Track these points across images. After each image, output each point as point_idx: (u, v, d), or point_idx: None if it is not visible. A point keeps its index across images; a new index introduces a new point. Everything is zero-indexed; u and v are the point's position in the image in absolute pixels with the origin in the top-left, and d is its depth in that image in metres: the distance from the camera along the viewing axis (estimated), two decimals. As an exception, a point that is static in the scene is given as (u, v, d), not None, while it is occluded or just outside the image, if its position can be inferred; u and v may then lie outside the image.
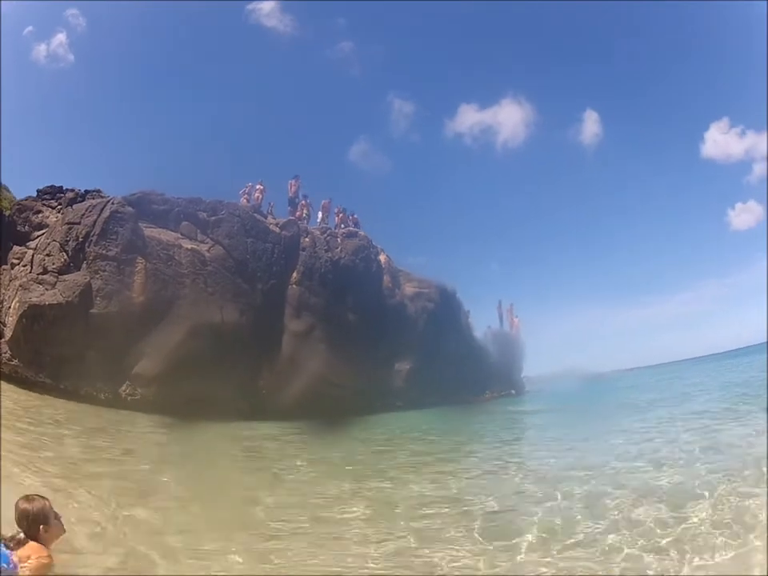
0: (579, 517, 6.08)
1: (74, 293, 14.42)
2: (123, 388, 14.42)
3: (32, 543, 2.98)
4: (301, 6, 63.40)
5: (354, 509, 6.93)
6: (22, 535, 3.00)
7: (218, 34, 62.20)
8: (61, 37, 49.54)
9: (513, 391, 27.15)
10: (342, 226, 20.52)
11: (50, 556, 2.98)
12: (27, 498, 3.09)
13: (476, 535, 5.79)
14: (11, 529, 3.07)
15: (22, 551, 2.92)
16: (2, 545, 2.88)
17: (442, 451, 11.66)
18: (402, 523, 6.30)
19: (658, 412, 15.07)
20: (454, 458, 11.02)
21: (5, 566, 2.76)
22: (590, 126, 66.44)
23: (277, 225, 18.66)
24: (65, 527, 3.23)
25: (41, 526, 3.01)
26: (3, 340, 13.79)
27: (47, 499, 3.13)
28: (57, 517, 3.14)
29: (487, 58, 71.36)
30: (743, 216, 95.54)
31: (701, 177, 75.62)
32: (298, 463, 10.20)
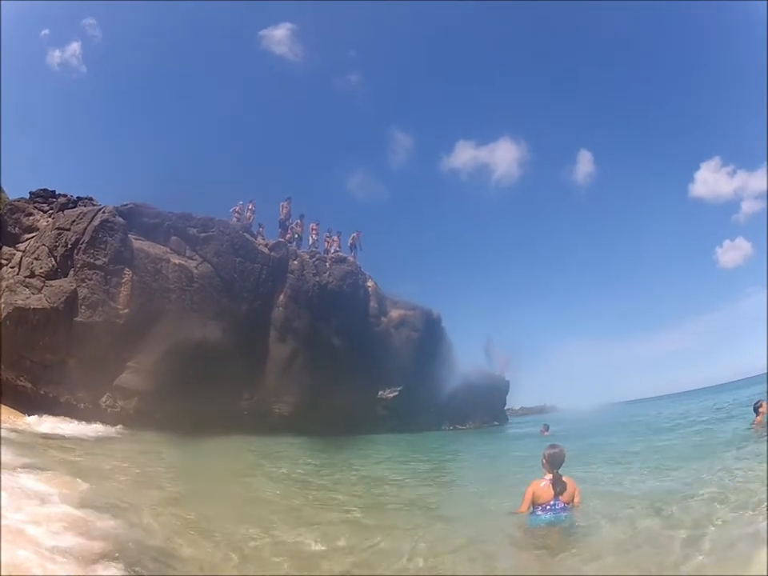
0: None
1: (59, 299, 14.40)
2: (104, 399, 14.36)
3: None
4: (312, 36, 64.88)
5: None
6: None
7: (228, 56, 63.49)
8: (75, 46, 50.09)
9: (496, 422, 28.02)
10: (333, 250, 20.88)
11: None
12: (553, 446, 4.93)
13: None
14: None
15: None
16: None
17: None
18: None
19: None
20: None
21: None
22: (584, 165, 68.85)
23: (266, 246, 18.93)
24: None
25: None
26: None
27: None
28: None
29: (487, 95, 74.27)
30: (730, 253, 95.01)
31: (690, 216, 77.56)
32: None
